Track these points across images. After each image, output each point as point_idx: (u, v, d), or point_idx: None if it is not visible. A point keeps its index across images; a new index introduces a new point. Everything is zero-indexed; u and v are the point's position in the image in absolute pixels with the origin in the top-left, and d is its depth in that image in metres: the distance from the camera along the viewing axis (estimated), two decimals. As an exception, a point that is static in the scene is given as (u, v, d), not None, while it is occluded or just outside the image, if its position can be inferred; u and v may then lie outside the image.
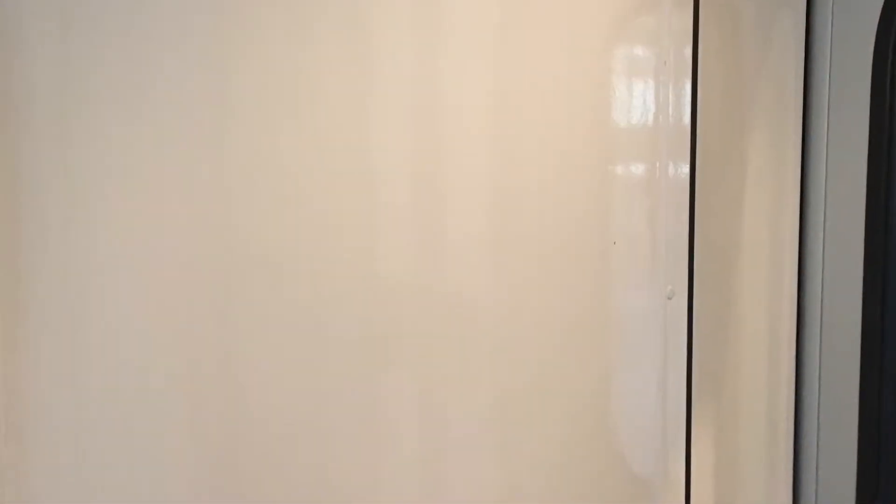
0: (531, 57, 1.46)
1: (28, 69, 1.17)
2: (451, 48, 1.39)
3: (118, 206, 1.22)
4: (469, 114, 1.41)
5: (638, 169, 1.60)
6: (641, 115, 1.57)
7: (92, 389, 1.22)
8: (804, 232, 1.77)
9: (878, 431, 1.67)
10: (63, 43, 1.19)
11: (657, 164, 1.59)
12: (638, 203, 1.60)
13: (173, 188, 1.25)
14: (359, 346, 1.36)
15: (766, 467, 1.80)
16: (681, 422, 1.64)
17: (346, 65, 1.32)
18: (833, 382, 1.73)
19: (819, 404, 1.75)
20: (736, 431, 1.77)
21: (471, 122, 1.41)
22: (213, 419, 1.29)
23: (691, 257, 1.61)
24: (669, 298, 1.59)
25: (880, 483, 1.68)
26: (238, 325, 1.30)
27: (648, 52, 1.59)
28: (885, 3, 1.57)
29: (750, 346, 1.77)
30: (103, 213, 1.22)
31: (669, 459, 1.65)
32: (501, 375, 1.47)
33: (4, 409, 1.18)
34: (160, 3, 1.22)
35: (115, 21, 1.21)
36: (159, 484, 1.26)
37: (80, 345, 1.22)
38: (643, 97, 1.57)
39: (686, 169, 1.61)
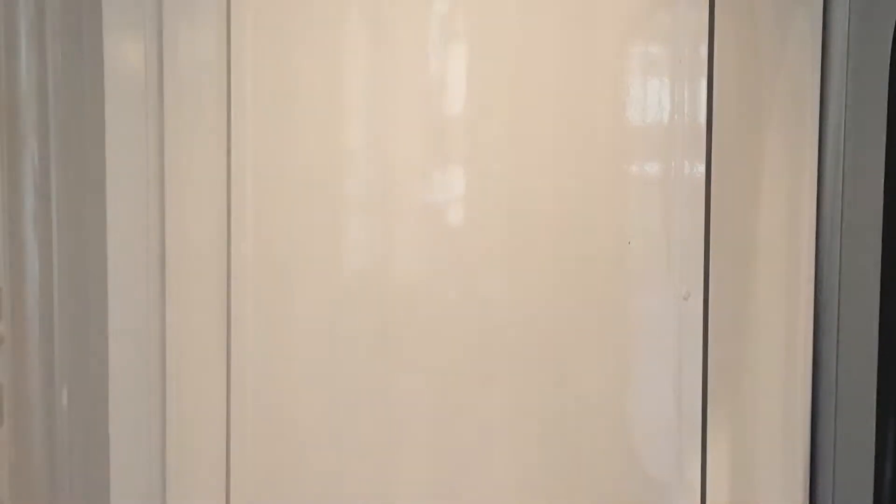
0: (545, 56, 1.45)
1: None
2: (467, 46, 1.38)
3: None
4: (484, 115, 1.40)
5: (653, 168, 1.58)
6: (656, 114, 1.56)
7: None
8: (821, 231, 1.75)
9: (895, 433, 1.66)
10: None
11: (672, 164, 1.57)
12: (653, 203, 1.58)
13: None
14: (371, 348, 1.35)
15: (782, 469, 1.78)
16: (696, 423, 1.63)
17: (358, 60, 1.31)
18: (850, 383, 1.71)
19: (836, 405, 1.73)
20: (752, 433, 1.75)
21: (485, 123, 1.40)
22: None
23: (707, 257, 1.59)
24: (685, 299, 1.57)
25: (899, 485, 1.66)
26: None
27: (663, 49, 1.57)
28: (903, -2, 1.55)
29: (766, 346, 1.75)
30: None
31: (685, 461, 1.64)
32: (516, 376, 1.46)
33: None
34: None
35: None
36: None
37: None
38: (658, 96, 1.55)
39: (702, 168, 1.59)
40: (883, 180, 1.62)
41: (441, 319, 1.39)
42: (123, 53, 1.40)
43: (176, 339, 1.40)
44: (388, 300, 1.35)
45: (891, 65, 1.60)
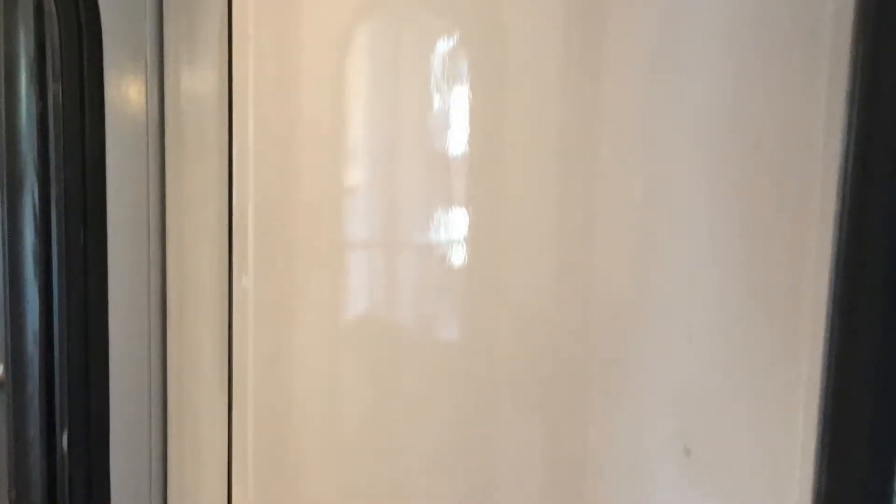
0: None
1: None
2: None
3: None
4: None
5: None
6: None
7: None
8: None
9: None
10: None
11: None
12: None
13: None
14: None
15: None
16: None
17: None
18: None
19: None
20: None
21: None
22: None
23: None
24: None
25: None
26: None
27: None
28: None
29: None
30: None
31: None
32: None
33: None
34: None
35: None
36: None
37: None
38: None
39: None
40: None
41: (444, 361, 1.38)
42: (124, 91, 1.40)
43: (177, 378, 1.39)
44: (390, 341, 1.34)
45: None
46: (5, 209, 1.39)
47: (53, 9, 1.32)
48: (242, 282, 1.38)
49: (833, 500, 1.17)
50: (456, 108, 1.35)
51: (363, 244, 1.34)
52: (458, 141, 1.37)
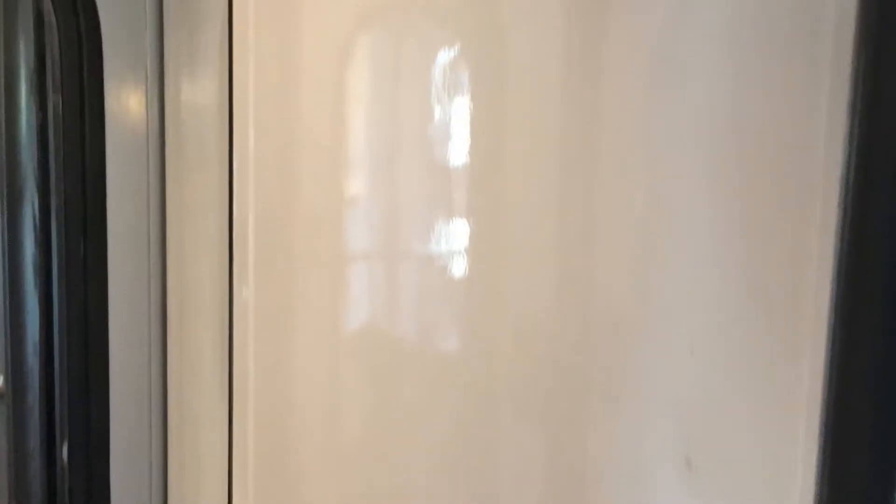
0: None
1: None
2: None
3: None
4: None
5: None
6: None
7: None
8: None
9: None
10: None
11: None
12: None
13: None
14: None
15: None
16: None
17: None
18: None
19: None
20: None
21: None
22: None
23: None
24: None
25: None
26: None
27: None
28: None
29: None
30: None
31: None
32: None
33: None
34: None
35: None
36: None
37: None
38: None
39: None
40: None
41: (445, 371, 1.38)
42: (124, 101, 1.40)
43: (177, 387, 1.39)
44: (390, 351, 1.34)
45: None
46: (5, 220, 1.39)
47: (53, 20, 1.32)
48: (243, 293, 1.38)
49: (835, 510, 1.16)
50: (456, 117, 1.35)
51: (364, 254, 1.34)
52: (458, 150, 1.37)
